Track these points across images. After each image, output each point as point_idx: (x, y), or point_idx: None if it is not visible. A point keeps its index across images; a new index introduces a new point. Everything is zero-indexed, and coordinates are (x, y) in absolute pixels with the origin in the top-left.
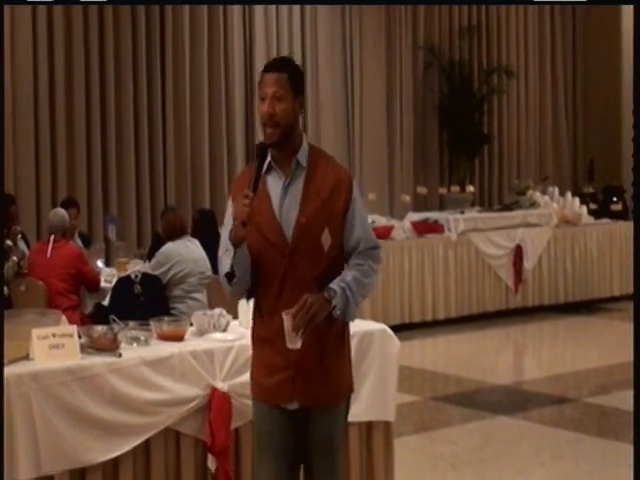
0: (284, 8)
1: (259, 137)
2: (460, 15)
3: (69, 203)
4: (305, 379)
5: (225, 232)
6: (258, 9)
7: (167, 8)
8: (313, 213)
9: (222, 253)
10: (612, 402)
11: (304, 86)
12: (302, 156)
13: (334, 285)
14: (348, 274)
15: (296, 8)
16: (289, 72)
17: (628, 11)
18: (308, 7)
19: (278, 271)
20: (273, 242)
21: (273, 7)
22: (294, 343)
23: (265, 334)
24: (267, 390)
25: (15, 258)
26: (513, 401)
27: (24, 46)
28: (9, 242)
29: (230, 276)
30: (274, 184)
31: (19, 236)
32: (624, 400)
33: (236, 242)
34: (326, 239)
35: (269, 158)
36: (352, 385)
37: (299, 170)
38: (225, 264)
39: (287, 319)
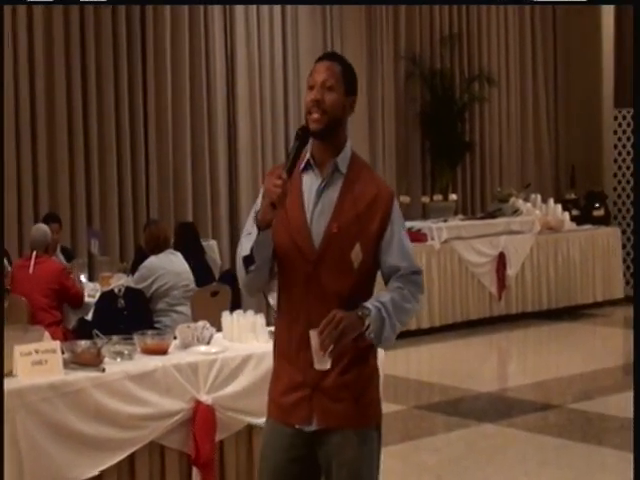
0: (265, 16)
1: (241, 151)
2: (441, 24)
3: (51, 218)
4: (324, 396)
5: (251, 215)
6: (239, 21)
7: (148, 27)
8: (346, 224)
9: (244, 235)
10: (596, 408)
11: (357, 87)
12: (343, 161)
13: (369, 304)
14: (385, 295)
15: (277, 18)
16: (343, 65)
17: (608, 18)
18: (289, 17)
19: (301, 279)
20: (300, 246)
21: (254, 17)
22: (322, 364)
23: (284, 348)
24: (280, 409)
25: None
26: (497, 408)
27: (6, 54)
28: None
29: (248, 261)
30: (309, 184)
31: None
32: (608, 406)
33: (261, 224)
34: (357, 255)
35: (308, 155)
36: (379, 414)
37: (337, 175)
38: (245, 247)
39: (314, 336)
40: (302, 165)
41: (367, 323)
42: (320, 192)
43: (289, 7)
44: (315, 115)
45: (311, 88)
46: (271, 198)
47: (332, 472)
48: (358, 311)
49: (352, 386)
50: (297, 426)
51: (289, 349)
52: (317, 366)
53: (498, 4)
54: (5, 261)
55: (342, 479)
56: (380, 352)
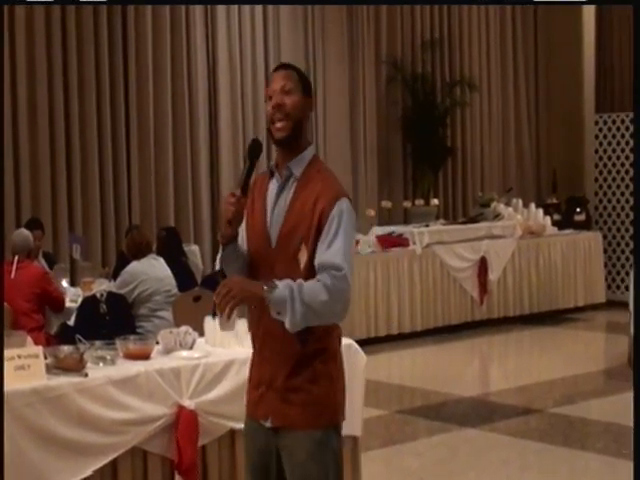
0: (247, 21)
1: (223, 153)
2: (422, 28)
3: (33, 225)
4: (276, 395)
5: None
6: (220, 23)
7: (130, 28)
8: (294, 226)
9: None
10: (578, 412)
11: (312, 90)
12: (297, 165)
13: (281, 281)
14: (302, 281)
15: (259, 23)
16: (297, 71)
17: (589, 23)
18: (271, 22)
19: (262, 280)
20: (260, 250)
21: (236, 21)
22: (224, 326)
23: (253, 346)
24: (249, 403)
25: None
26: (479, 413)
27: None
28: None
29: (221, 274)
30: (272, 190)
31: None
32: (590, 410)
33: (222, 242)
34: (302, 255)
35: (272, 162)
36: (339, 415)
37: (292, 179)
38: (218, 262)
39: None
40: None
41: (269, 296)
42: (277, 196)
43: (270, 12)
44: (278, 124)
45: (270, 98)
46: (226, 217)
47: (288, 471)
48: (265, 284)
49: (299, 389)
50: (260, 421)
51: (254, 347)
52: (220, 329)
53: (502, 4)
54: None
55: (300, 475)
56: (362, 357)
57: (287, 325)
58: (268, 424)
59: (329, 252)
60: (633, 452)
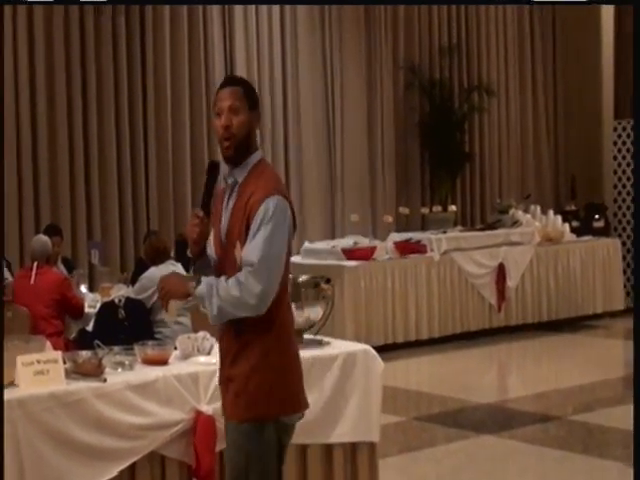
0: (264, 27)
1: None
2: (440, 34)
3: (52, 231)
4: (222, 388)
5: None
6: (238, 31)
7: (148, 32)
8: (232, 228)
9: None
10: (597, 419)
11: (258, 100)
12: (241, 171)
13: (206, 279)
14: (224, 277)
15: (276, 28)
16: (243, 86)
17: (608, 29)
18: (288, 26)
19: None
20: (218, 254)
21: (253, 27)
22: (166, 315)
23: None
24: None
25: None
26: (497, 420)
27: (6, 58)
28: None
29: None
30: (225, 197)
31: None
32: (609, 417)
33: (193, 256)
34: (238, 253)
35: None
36: (274, 409)
37: (236, 186)
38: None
39: None
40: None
41: (194, 292)
42: (226, 204)
43: (288, 14)
44: (226, 143)
45: (219, 115)
46: (191, 237)
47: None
48: (192, 280)
49: (234, 380)
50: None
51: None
52: (165, 317)
53: (496, 4)
54: (6, 272)
55: (227, 467)
56: (379, 364)
57: (209, 318)
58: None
59: (248, 249)
60: (633, 454)
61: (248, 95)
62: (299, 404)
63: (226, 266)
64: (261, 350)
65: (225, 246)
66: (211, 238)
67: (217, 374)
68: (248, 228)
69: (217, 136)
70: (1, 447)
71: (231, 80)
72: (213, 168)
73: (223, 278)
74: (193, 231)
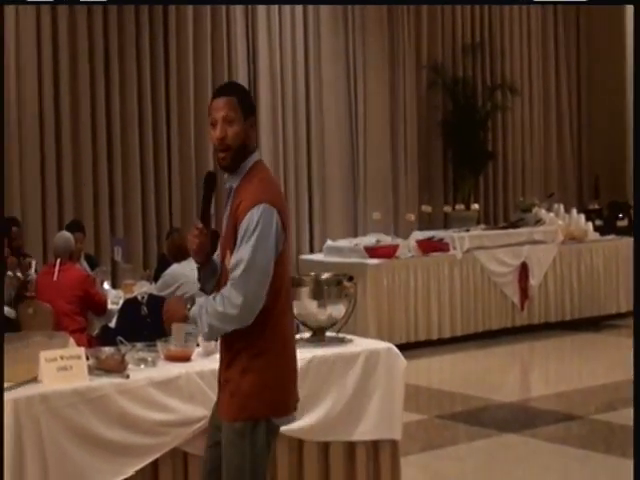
0: (287, 27)
1: (263, 154)
2: (463, 32)
3: (74, 227)
4: (219, 389)
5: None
6: (261, 31)
7: (171, 33)
8: (225, 235)
9: None
10: (619, 419)
11: (253, 106)
12: (236, 177)
13: (200, 299)
14: (214, 294)
15: (299, 27)
16: (237, 95)
17: (632, 29)
18: (311, 26)
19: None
20: (221, 259)
21: (276, 27)
22: (173, 340)
23: None
24: None
25: (17, 274)
26: (520, 419)
27: (30, 63)
28: (10, 273)
29: (202, 290)
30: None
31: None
32: (631, 417)
33: (197, 264)
34: (228, 262)
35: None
36: (265, 409)
37: (232, 192)
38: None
39: None
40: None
41: (187, 313)
42: (225, 210)
43: (311, 15)
44: (221, 154)
45: (213, 125)
46: (192, 248)
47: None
48: (188, 303)
49: (230, 381)
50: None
51: None
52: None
53: (496, 4)
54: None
55: (223, 466)
56: (402, 362)
57: (202, 337)
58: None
59: (232, 260)
60: (633, 452)
61: (242, 103)
62: (289, 407)
63: (223, 272)
64: (253, 353)
65: (220, 252)
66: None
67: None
68: (236, 237)
69: (213, 146)
70: (1, 447)
71: (225, 89)
72: (210, 179)
73: (213, 295)
74: (193, 242)
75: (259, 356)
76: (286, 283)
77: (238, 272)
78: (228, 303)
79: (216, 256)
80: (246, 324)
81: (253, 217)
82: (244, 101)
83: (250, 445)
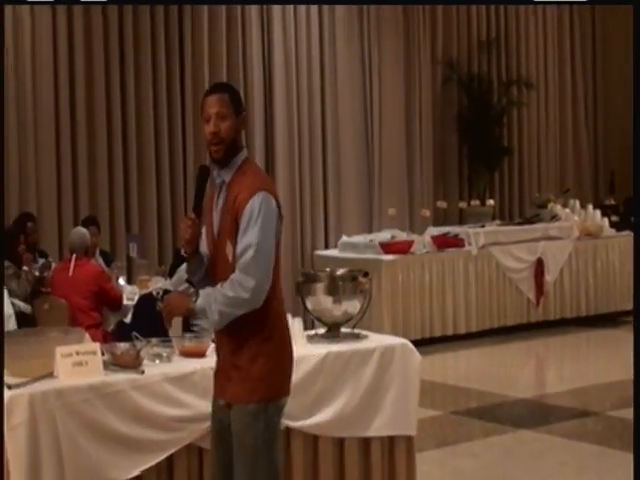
0: (302, 26)
1: (278, 151)
2: (479, 28)
3: (89, 222)
4: (221, 375)
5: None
6: (277, 30)
7: (186, 31)
8: (221, 226)
9: None
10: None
11: (242, 105)
12: (228, 171)
13: (202, 290)
14: (221, 283)
15: (314, 22)
16: (229, 92)
17: None
18: (326, 21)
19: (213, 282)
20: (210, 252)
21: (292, 26)
22: (172, 332)
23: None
24: (214, 385)
25: (33, 271)
26: (535, 415)
27: (46, 60)
28: (25, 268)
29: (188, 282)
30: (215, 197)
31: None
32: None
33: (185, 256)
34: (229, 251)
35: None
36: (275, 391)
37: (224, 185)
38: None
39: None
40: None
41: (192, 306)
42: (216, 203)
43: (326, 12)
44: (214, 147)
45: (207, 121)
46: (184, 238)
47: (232, 441)
48: (191, 294)
49: (240, 367)
50: (217, 399)
51: (215, 338)
52: (170, 334)
53: (496, 4)
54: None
55: (235, 447)
56: (417, 358)
57: (211, 326)
58: (222, 401)
59: (239, 246)
60: (633, 450)
61: (233, 101)
62: (289, 388)
63: (218, 263)
64: (262, 338)
65: (217, 244)
66: (204, 237)
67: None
68: (237, 226)
69: (205, 141)
70: (1, 446)
71: (217, 87)
72: (203, 173)
73: (219, 284)
74: (186, 232)
75: (267, 341)
76: (280, 272)
77: (248, 256)
78: (239, 287)
79: (201, 248)
80: (256, 307)
81: (254, 204)
82: (235, 99)
83: (264, 425)
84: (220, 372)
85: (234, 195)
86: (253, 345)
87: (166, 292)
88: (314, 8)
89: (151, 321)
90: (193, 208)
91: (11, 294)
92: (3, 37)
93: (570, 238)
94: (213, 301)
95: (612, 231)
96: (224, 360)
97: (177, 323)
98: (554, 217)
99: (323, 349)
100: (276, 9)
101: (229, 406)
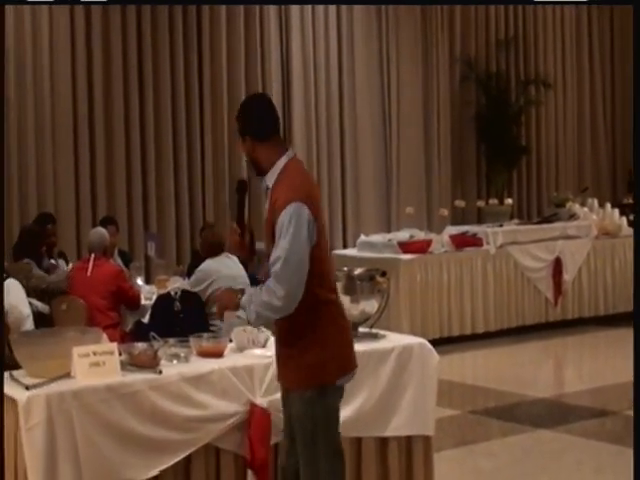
0: (320, 21)
1: (296, 151)
2: (497, 27)
3: (107, 221)
4: (279, 362)
5: None
6: (295, 26)
7: (204, 31)
8: (266, 230)
9: None
10: None
11: (246, 124)
12: (270, 177)
13: (250, 289)
14: (260, 285)
15: (332, 22)
16: (236, 119)
17: None
18: (345, 20)
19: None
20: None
21: (310, 21)
22: (224, 325)
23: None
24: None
25: (66, 268)
26: (554, 414)
27: (64, 61)
28: (52, 261)
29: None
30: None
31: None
32: None
33: (244, 260)
34: (270, 254)
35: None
36: (329, 376)
37: (268, 191)
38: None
39: None
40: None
41: (240, 303)
42: (266, 206)
43: (344, 11)
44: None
45: None
46: (232, 247)
47: (293, 423)
48: (239, 293)
49: (294, 356)
50: (279, 383)
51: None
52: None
53: (496, 3)
54: (63, 263)
55: (294, 430)
56: (435, 357)
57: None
58: (283, 387)
59: (272, 256)
60: (633, 449)
61: (238, 127)
62: (349, 367)
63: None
64: (312, 329)
65: (268, 243)
66: (264, 235)
67: (274, 365)
68: (274, 231)
69: None
70: (1, 446)
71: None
72: (242, 187)
73: (259, 286)
74: (231, 241)
75: (317, 331)
76: (328, 264)
77: (278, 267)
78: (272, 295)
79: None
80: (288, 313)
81: (285, 217)
82: (239, 125)
83: (321, 409)
84: (279, 360)
85: (274, 200)
86: (304, 337)
87: (184, 292)
88: (332, 8)
89: (169, 321)
90: (236, 219)
91: (36, 286)
92: (3, 37)
93: (588, 237)
94: (252, 301)
95: (630, 230)
96: (280, 350)
97: (228, 317)
98: (572, 216)
99: None
100: (294, 9)
101: (288, 392)
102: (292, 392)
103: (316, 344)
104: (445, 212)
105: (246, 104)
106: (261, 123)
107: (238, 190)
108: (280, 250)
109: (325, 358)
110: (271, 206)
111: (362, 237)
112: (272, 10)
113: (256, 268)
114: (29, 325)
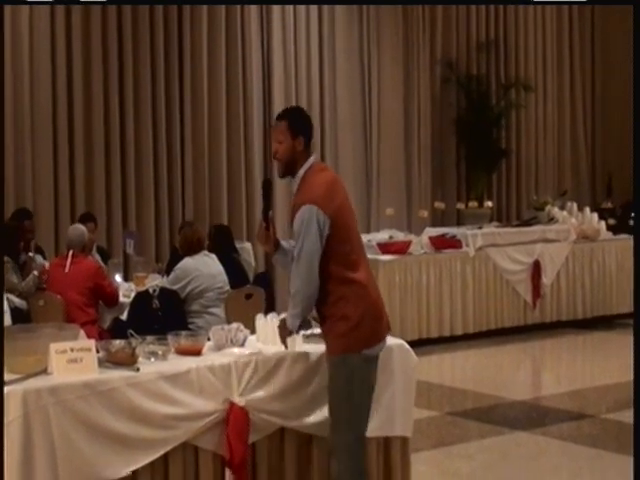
0: (302, 22)
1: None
2: (478, 30)
3: (86, 218)
4: (322, 335)
5: None
6: (276, 26)
7: (185, 29)
8: (290, 228)
9: None
10: (630, 418)
11: (304, 126)
12: (295, 181)
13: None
14: None
15: (314, 24)
16: (288, 119)
17: None
18: (326, 22)
19: None
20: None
21: (291, 26)
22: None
23: None
24: None
25: (36, 272)
26: (531, 417)
27: (44, 58)
28: (30, 254)
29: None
30: None
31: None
32: None
33: (268, 253)
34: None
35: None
36: (355, 345)
37: (295, 192)
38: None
39: None
40: None
41: (288, 326)
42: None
43: (326, 12)
44: (276, 164)
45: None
46: (259, 241)
47: None
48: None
49: (326, 331)
50: None
51: None
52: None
53: (496, 3)
54: (40, 258)
55: (329, 398)
56: (413, 358)
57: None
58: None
59: (295, 251)
60: (633, 450)
61: (291, 126)
62: (378, 338)
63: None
64: (341, 304)
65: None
66: None
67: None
68: (293, 230)
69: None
70: (1, 447)
71: (279, 114)
72: (267, 186)
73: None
74: (259, 237)
75: (346, 305)
76: (352, 245)
77: (293, 265)
78: (292, 288)
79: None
80: (311, 301)
81: (299, 219)
82: (293, 124)
83: (343, 372)
84: (321, 334)
85: (295, 202)
86: (334, 310)
87: (163, 290)
88: (314, 8)
89: (147, 318)
90: (263, 216)
91: (11, 290)
92: (3, 37)
93: (567, 241)
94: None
95: (609, 234)
96: (321, 328)
97: (292, 341)
98: (551, 219)
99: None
100: (276, 9)
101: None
102: (326, 358)
103: (341, 320)
104: (425, 213)
105: (302, 110)
106: (312, 130)
107: (263, 190)
108: (295, 250)
109: (352, 330)
110: (293, 206)
111: None
112: (253, 11)
113: (282, 263)
114: (6, 321)
